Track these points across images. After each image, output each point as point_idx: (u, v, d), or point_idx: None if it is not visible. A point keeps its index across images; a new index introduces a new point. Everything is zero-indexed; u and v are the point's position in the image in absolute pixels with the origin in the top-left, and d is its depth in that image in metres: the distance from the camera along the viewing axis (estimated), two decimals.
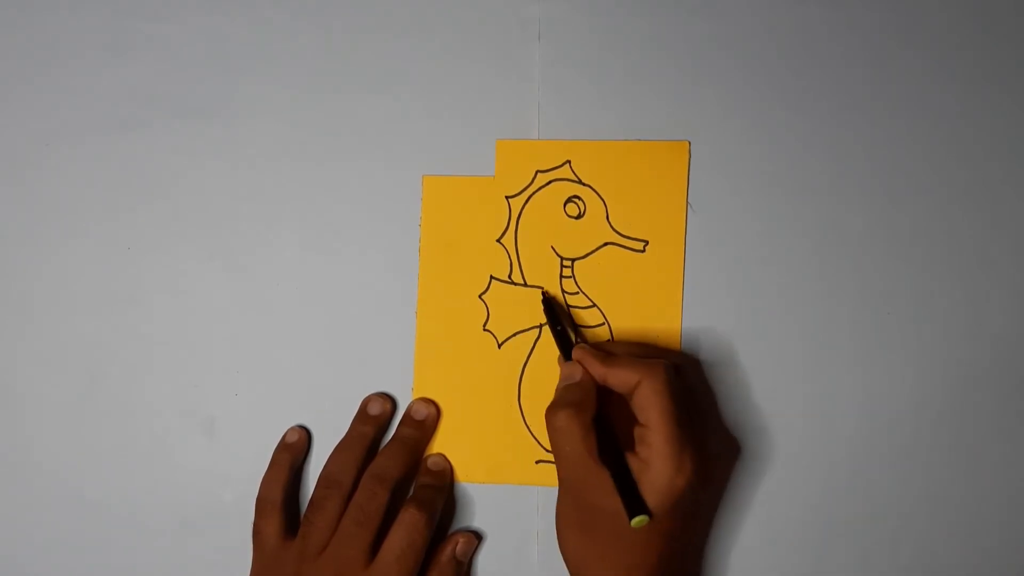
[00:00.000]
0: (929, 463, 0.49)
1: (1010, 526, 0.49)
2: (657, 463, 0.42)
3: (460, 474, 0.50)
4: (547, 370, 0.50)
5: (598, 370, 0.45)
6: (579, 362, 0.46)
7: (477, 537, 0.50)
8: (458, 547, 0.49)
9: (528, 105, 0.50)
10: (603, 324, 0.50)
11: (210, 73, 0.51)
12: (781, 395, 0.49)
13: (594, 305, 0.50)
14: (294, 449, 0.50)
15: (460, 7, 0.51)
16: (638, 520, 0.41)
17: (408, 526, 0.47)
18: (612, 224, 0.50)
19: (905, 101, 0.49)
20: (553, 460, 0.49)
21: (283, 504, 0.49)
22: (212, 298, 0.51)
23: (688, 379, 0.48)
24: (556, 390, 0.46)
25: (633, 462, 0.43)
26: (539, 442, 0.50)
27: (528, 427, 0.50)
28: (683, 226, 0.50)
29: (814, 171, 0.49)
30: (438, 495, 0.49)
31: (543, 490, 0.50)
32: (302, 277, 0.51)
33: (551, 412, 0.44)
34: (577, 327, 0.49)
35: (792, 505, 0.49)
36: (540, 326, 0.50)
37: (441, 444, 0.50)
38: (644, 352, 0.46)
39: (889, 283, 0.49)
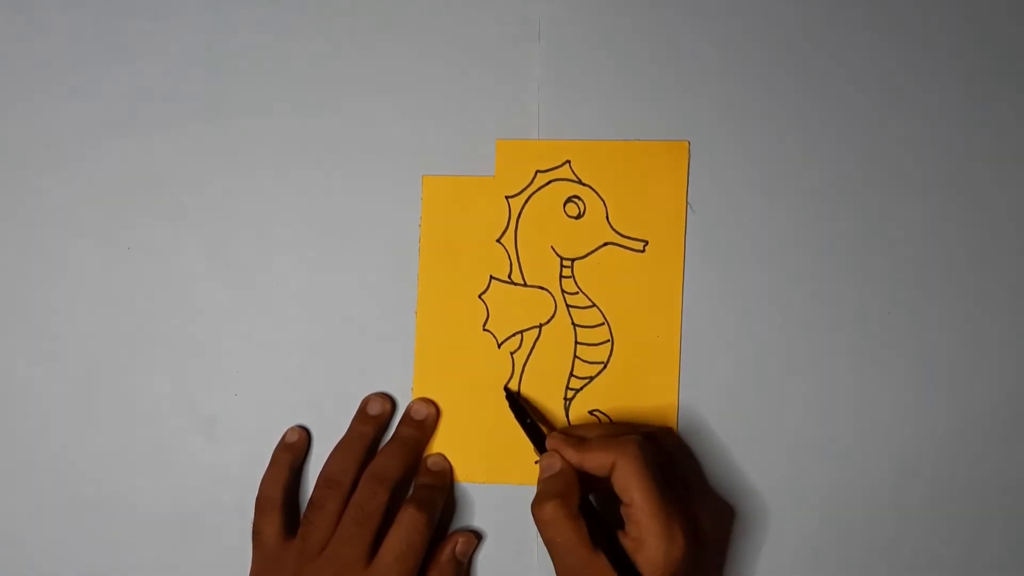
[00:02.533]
0: (930, 463, 0.49)
1: (1010, 526, 0.49)
2: (649, 540, 0.42)
3: (460, 474, 0.50)
4: (547, 370, 0.50)
5: (573, 457, 0.45)
6: (555, 451, 0.46)
7: (477, 537, 0.50)
8: (458, 547, 0.49)
9: (528, 105, 0.50)
10: (603, 324, 0.50)
11: (210, 73, 0.52)
12: (781, 394, 0.49)
13: (594, 305, 0.50)
14: (294, 449, 0.50)
15: (460, 7, 0.51)
16: None
17: (408, 526, 0.47)
18: (612, 224, 0.50)
19: (904, 101, 0.49)
20: None
21: (283, 504, 0.49)
22: (212, 298, 0.51)
23: (666, 446, 0.48)
24: (538, 483, 0.46)
25: (626, 542, 0.43)
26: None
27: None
28: (683, 226, 0.50)
29: (814, 171, 0.49)
30: (438, 495, 0.49)
31: None
32: (302, 277, 0.51)
33: (537, 506, 0.44)
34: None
35: (792, 504, 0.49)
36: (540, 326, 0.50)
37: (441, 444, 0.50)
38: (616, 431, 0.46)
39: (889, 283, 0.49)
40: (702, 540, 0.44)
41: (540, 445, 0.47)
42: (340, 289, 0.51)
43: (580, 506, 0.44)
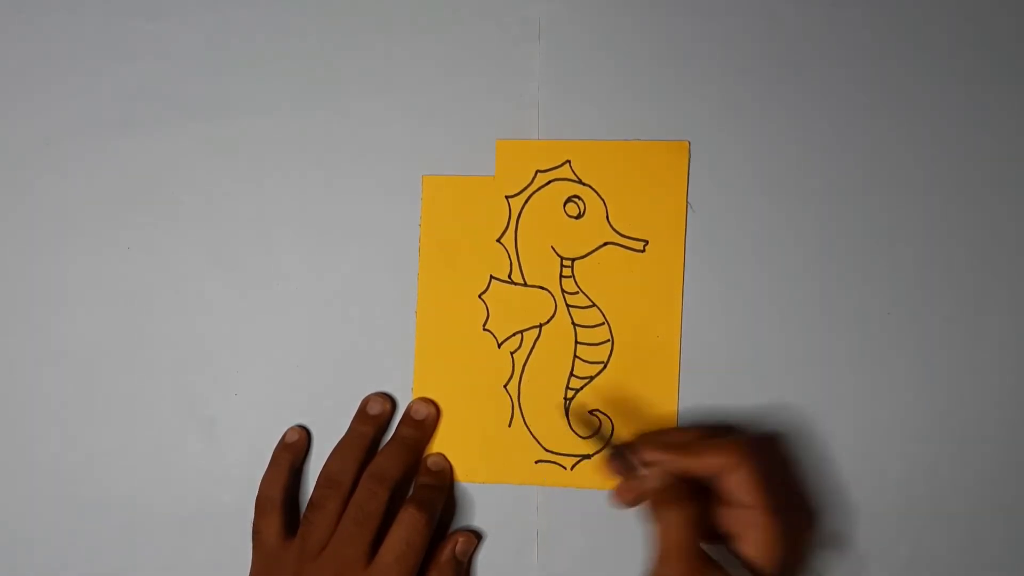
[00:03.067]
0: (930, 463, 0.49)
1: (1011, 526, 0.49)
2: (771, 543, 0.42)
3: (460, 474, 0.50)
4: (547, 370, 0.50)
5: (676, 463, 0.44)
6: (653, 463, 0.44)
7: (477, 536, 0.50)
8: (458, 546, 0.49)
9: (528, 105, 0.50)
10: (603, 324, 0.50)
11: (210, 73, 0.52)
12: (780, 394, 0.49)
13: (594, 305, 0.50)
14: (294, 449, 0.50)
15: (460, 7, 0.51)
16: None
17: (408, 526, 0.47)
18: (612, 224, 0.50)
19: (905, 101, 0.49)
20: (556, 461, 0.50)
21: (283, 504, 0.49)
22: (212, 298, 0.51)
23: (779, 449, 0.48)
24: (653, 491, 0.44)
25: (741, 545, 0.43)
26: (539, 442, 0.50)
27: (528, 427, 0.50)
28: (683, 226, 0.50)
29: (814, 171, 0.49)
30: (438, 495, 0.49)
31: (543, 490, 0.50)
32: (302, 277, 0.51)
33: (661, 507, 0.43)
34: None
35: (790, 505, 0.49)
36: (540, 326, 0.50)
37: (441, 444, 0.50)
38: (705, 432, 0.46)
39: (889, 283, 0.49)
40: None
41: (627, 458, 0.45)
42: (340, 289, 0.51)
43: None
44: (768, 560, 0.42)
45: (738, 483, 0.43)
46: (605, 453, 0.47)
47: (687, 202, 0.50)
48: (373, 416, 0.50)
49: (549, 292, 0.50)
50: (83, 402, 0.52)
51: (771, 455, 0.46)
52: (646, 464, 0.44)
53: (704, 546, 0.42)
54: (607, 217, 0.50)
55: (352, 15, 0.51)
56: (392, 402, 0.50)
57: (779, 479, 0.45)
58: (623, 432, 0.49)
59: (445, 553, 0.49)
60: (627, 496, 0.45)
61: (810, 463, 0.49)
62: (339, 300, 0.51)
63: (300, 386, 0.51)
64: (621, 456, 0.45)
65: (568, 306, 0.50)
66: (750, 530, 0.43)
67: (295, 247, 0.51)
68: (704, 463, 0.43)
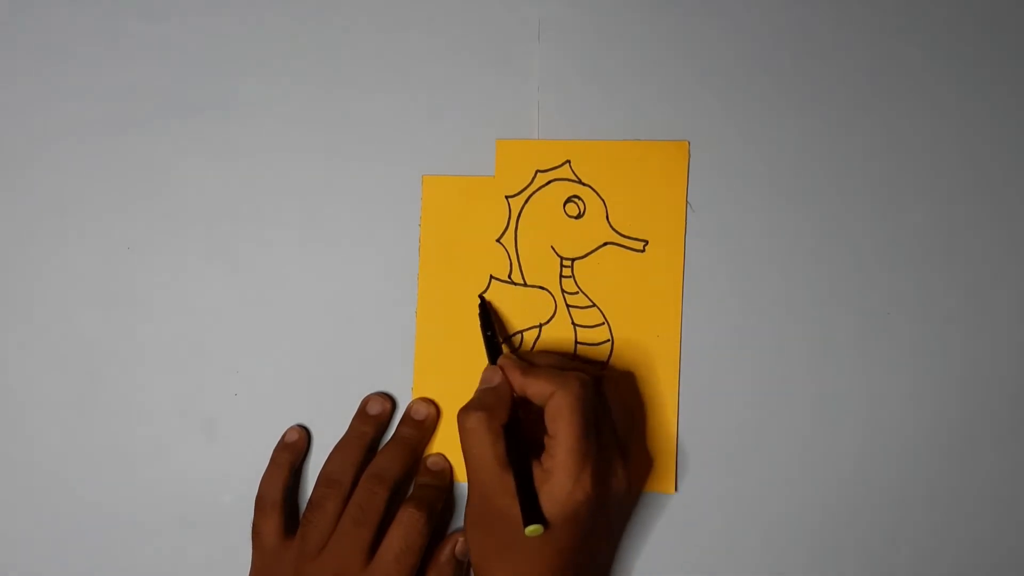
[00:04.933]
0: (930, 463, 0.49)
1: (1011, 526, 0.49)
2: (558, 475, 0.43)
3: (460, 474, 0.50)
4: None
5: (517, 379, 0.45)
6: (501, 368, 0.46)
7: None
8: (457, 546, 0.49)
9: (528, 105, 0.50)
10: (603, 324, 0.50)
11: (210, 73, 0.52)
12: (781, 394, 0.49)
13: (594, 305, 0.50)
14: (294, 449, 0.50)
15: (460, 7, 0.51)
16: (532, 529, 0.42)
17: (407, 526, 0.47)
18: (612, 224, 0.50)
19: (905, 101, 0.49)
20: None
21: (283, 503, 0.49)
22: (212, 298, 0.51)
23: (615, 393, 0.48)
24: (475, 392, 0.47)
25: (537, 472, 0.44)
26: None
27: None
28: (683, 226, 0.50)
29: (814, 171, 0.49)
30: (438, 495, 0.49)
31: None
32: (302, 277, 0.51)
33: (463, 413, 0.45)
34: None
35: (791, 503, 0.49)
36: (540, 326, 0.50)
37: (441, 444, 0.50)
38: (569, 365, 0.47)
39: (889, 283, 0.49)
40: (614, 490, 0.45)
41: (492, 359, 0.48)
42: (340, 289, 0.51)
43: (506, 426, 0.44)
44: (552, 490, 0.43)
45: (552, 410, 0.44)
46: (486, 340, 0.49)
47: (687, 202, 0.50)
48: (373, 416, 0.50)
49: (549, 292, 0.50)
50: (83, 402, 0.52)
51: (599, 397, 0.46)
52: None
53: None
54: (607, 217, 0.50)
55: (352, 15, 0.51)
56: (392, 402, 0.50)
57: (603, 423, 0.45)
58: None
59: (445, 553, 0.49)
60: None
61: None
62: (339, 300, 0.51)
63: (300, 386, 0.51)
64: (493, 351, 0.48)
65: (568, 306, 0.50)
66: (547, 459, 0.43)
67: (295, 247, 0.51)
68: (533, 386, 0.45)
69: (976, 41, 0.49)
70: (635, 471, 0.48)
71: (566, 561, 0.44)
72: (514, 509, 0.43)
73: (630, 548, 0.49)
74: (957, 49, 0.49)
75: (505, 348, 0.49)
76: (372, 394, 0.50)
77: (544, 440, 0.44)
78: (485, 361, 0.49)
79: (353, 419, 0.50)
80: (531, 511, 0.42)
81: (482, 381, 0.47)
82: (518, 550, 0.43)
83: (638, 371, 0.50)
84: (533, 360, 0.47)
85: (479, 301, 0.50)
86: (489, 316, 0.49)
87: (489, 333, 0.48)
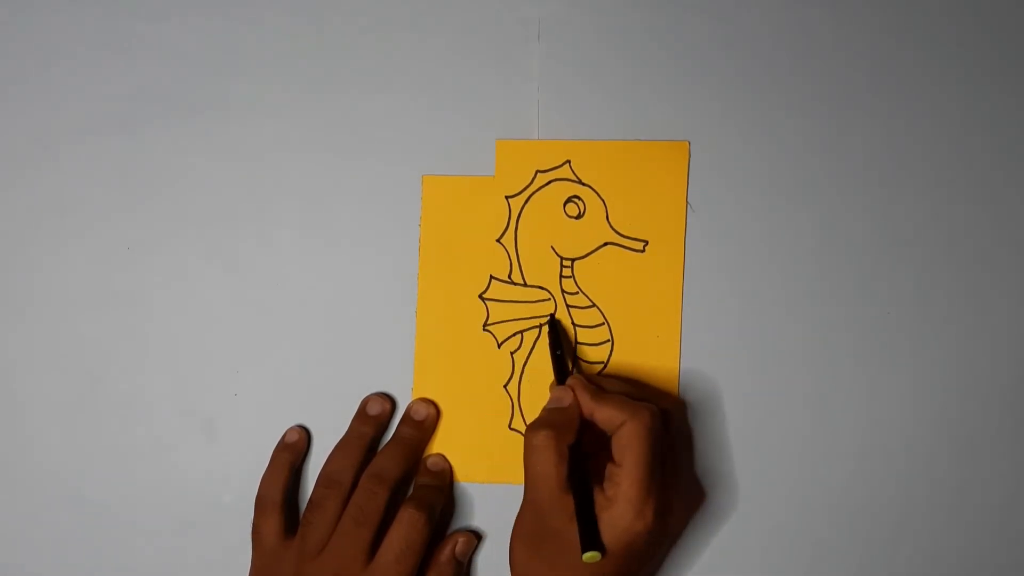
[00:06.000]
0: (930, 462, 0.49)
1: (1011, 526, 0.49)
2: (621, 504, 0.43)
3: (459, 474, 0.50)
4: (547, 370, 0.50)
5: (587, 403, 0.45)
6: (571, 389, 0.46)
7: (477, 537, 0.50)
8: (457, 547, 0.49)
9: (528, 105, 0.50)
10: (603, 324, 0.50)
11: (210, 73, 0.52)
12: (781, 394, 0.49)
13: (594, 305, 0.50)
14: (294, 449, 0.50)
15: (460, 7, 0.51)
16: (590, 556, 0.42)
17: (407, 526, 0.47)
18: (612, 224, 0.50)
19: (905, 101, 0.49)
20: None
21: (282, 504, 0.49)
22: (212, 298, 0.51)
23: (673, 425, 0.48)
24: (542, 410, 0.46)
25: (599, 498, 0.43)
26: None
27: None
28: (683, 226, 0.50)
29: (814, 171, 0.49)
30: (437, 495, 0.49)
31: None
32: (302, 277, 0.51)
33: (532, 430, 0.44)
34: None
35: (791, 503, 0.49)
36: (540, 326, 0.50)
37: (441, 444, 0.50)
38: (639, 393, 0.47)
39: (889, 283, 0.49)
40: (670, 525, 0.45)
41: (561, 379, 0.47)
42: (340, 289, 0.51)
43: (570, 447, 0.44)
44: (615, 519, 0.42)
45: (622, 439, 0.43)
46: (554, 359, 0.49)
47: (687, 202, 0.50)
48: (373, 416, 0.50)
49: (549, 292, 0.50)
50: (83, 402, 0.52)
51: (665, 431, 0.46)
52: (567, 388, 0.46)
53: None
54: (607, 217, 0.50)
55: (352, 15, 0.51)
56: (392, 402, 0.50)
57: (665, 458, 0.45)
58: None
59: (445, 553, 0.49)
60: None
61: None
62: (339, 300, 0.51)
63: (300, 386, 0.51)
64: (561, 372, 0.48)
65: (568, 306, 0.50)
66: (611, 487, 0.43)
67: (295, 247, 0.51)
68: (604, 413, 0.44)
69: (976, 41, 0.49)
70: (688, 505, 0.49)
71: None
72: (570, 532, 0.43)
73: None
74: (957, 49, 0.49)
75: (571, 367, 0.49)
76: (372, 394, 0.50)
77: (607, 467, 0.44)
78: (484, 361, 0.49)
79: (353, 419, 0.50)
80: (590, 537, 0.42)
81: (552, 400, 0.46)
82: (568, 571, 0.43)
83: (638, 371, 0.50)
84: (602, 384, 0.47)
85: (548, 319, 0.49)
86: (558, 335, 0.49)
87: (559, 352, 0.48)
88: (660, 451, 0.44)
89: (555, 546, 0.43)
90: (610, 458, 0.44)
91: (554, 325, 0.49)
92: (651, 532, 0.43)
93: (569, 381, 0.46)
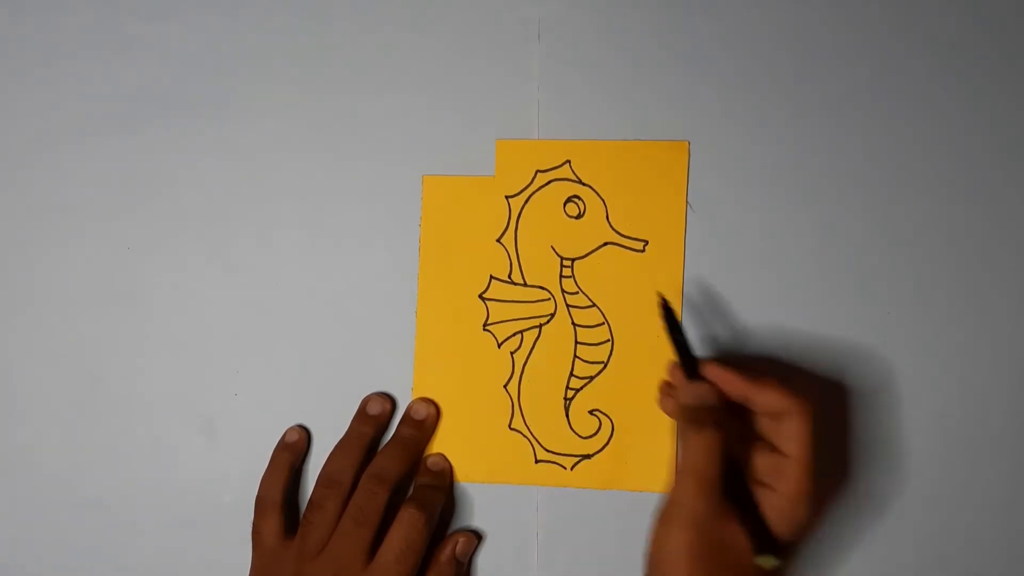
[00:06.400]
0: (929, 462, 0.49)
1: (1010, 526, 0.49)
2: (799, 498, 0.42)
3: (460, 474, 0.50)
4: (547, 370, 0.50)
5: (741, 386, 0.43)
6: (714, 381, 0.44)
7: (477, 537, 0.50)
8: (458, 547, 0.49)
9: (528, 105, 0.50)
10: (603, 324, 0.50)
11: (210, 73, 0.52)
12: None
13: (594, 305, 0.50)
14: (294, 449, 0.50)
15: (460, 7, 0.51)
16: (767, 560, 0.40)
17: (407, 525, 0.47)
18: (612, 224, 0.50)
19: (905, 101, 0.49)
20: (556, 461, 0.50)
21: (282, 504, 0.49)
22: (212, 298, 0.51)
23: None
24: (686, 407, 0.44)
25: (764, 494, 0.42)
26: (539, 442, 0.50)
27: (528, 427, 0.50)
28: (683, 226, 0.50)
29: (814, 171, 0.49)
30: (438, 495, 0.49)
31: (543, 490, 0.50)
32: (302, 277, 0.51)
33: (697, 430, 0.42)
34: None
35: None
36: (540, 326, 0.50)
37: (441, 444, 0.50)
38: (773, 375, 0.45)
39: (889, 283, 0.49)
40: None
41: (692, 370, 0.45)
42: (340, 289, 0.51)
43: None
44: (786, 514, 0.42)
45: (789, 430, 0.42)
46: (673, 356, 0.46)
47: (687, 202, 0.50)
48: (373, 416, 0.50)
49: (549, 292, 0.50)
50: (83, 402, 0.52)
51: (828, 414, 0.45)
52: (706, 380, 0.44)
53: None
54: (607, 217, 0.50)
55: (352, 15, 0.51)
56: (392, 402, 0.50)
57: (826, 441, 0.44)
58: (623, 434, 0.49)
59: (445, 553, 0.49)
60: (668, 403, 0.46)
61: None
62: (339, 300, 0.51)
63: (300, 386, 0.51)
64: (689, 359, 0.45)
65: (568, 306, 0.50)
66: (782, 481, 0.42)
67: (295, 247, 0.51)
68: (766, 398, 0.43)
69: (976, 41, 0.49)
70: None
71: None
72: (739, 538, 0.41)
73: (631, 547, 0.49)
74: (957, 49, 0.49)
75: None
76: (372, 394, 0.50)
77: (759, 460, 0.43)
78: (484, 361, 0.49)
79: (353, 419, 0.50)
80: (766, 540, 0.41)
81: (695, 397, 0.44)
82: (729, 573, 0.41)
83: (638, 371, 0.50)
84: (740, 369, 0.45)
85: (660, 301, 0.46)
86: (675, 318, 0.46)
87: (680, 337, 0.45)
88: None
89: (725, 555, 0.41)
90: (762, 446, 0.43)
91: (666, 305, 0.46)
92: (813, 523, 0.42)
93: (711, 372, 0.44)
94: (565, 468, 0.50)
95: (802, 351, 0.49)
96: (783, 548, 0.41)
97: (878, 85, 0.49)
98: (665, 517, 0.42)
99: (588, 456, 0.50)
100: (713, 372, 0.45)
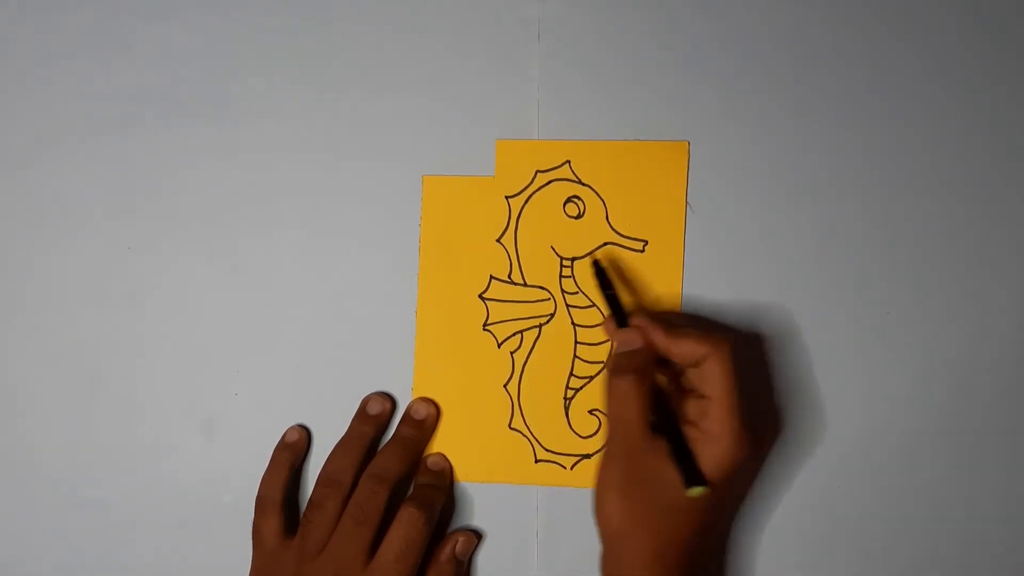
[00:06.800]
0: (930, 463, 0.49)
1: (1010, 526, 0.49)
2: (722, 436, 0.43)
3: (460, 473, 0.50)
4: (547, 370, 0.50)
5: (661, 339, 0.45)
6: (639, 329, 0.45)
7: (477, 536, 0.50)
8: (458, 546, 0.49)
9: (528, 105, 0.50)
10: (603, 324, 0.50)
11: (210, 73, 0.52)
12: (780, 395, 0.49)
13: (593, 305, 0.50)
14: (294, 449, 0.50)
15: (460, 7, 0.51)
16: (697, 491, 0.42)
17: (407, 525, 0.47)
18: (612, 224, 0.50)
19: (905, 101, 0.49)
20: (556, 461, 0.50)
21: (283, 503, 0.49)
22: (212, 298, 0.51)
23: (744, 353, 0.48)
24: (612, 355, 0.46)
25: (693, 433, 0.43)
26: (539, 442, 0.50)
27: (528, 427, 0.50)
28: (682, 226, 0.50)
29: (814, 171, 0.49)
30: (437, 494, 0.49)
31: (543, 490, 0.50)
32: (302, 277, 0.51)
33: (614, 377, 0.44)
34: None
35: (791, 503, 0.49)
36: (540, 326, 0.50)
37: (441, 443, 0.50)
38: (703, 323, 0.47)
39: (889, 283, 0.49)
40: (759, 448, 0.45)
41: (621, 319, 0.47)
42: (340, 289, 0.51)
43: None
44: (713, 451, 0.43)
45: (707, 372, 0.43)
46: (606, 303, 0.48)
47: (687, 202, 0.50)
48: (373, 416, 0.50)
49: (549, 292, 0.50)
50: (83, 402, 0.52)
51: (751, 356, 0.47)
52: (633, 326, 0.46)
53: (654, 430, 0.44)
54: (607, 217, 0.50)
55: (352, 15, 0.51)
56: (392, 402, 0.50)
57: (750, 382, 0.45)
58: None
59: (445, 553, 0.49)
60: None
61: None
62: (339, 300, 0.51)
63: (300, 386, 0.51)
64: (619, 312, 0.47)
65: (568, 306, 0.50)
66: (706, 421, 0.43)
67: (295, 247, 0.51)
68: (682, 347, 0.44)
69: (976, 41, 0.49)
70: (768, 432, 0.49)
71: (710, 519, 0.45)
72: (666, 473, 0.43)
73: None
74: (957, 49, 0.49)
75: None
76: (372, 394, 0.50)
77: (691, 403, 0.44)
78: (484, 361, 0.49)
79: (353, 419, 0.50)
80: (693, 473, 0.42)
81: (622, 343, 0.46)
82: (665, 513, 0.43)
83: None
84: (669, 319, 0.46)
85: (593, 263, 0.48)
86: (606, 275, 0.48)
87: (611, 292, 0.47)
88: (740, 379, 0.44)
89: (653, 489, 0.43)
90: (687, 393, 0.44)
91: (598, 265, 0.48)
92: (745, 460, 0.43)
93: (635, 320, 0.46)
94: (565, 468, 0.50)
95: (802, 351, 0.49)
96: (713, 483, 0.43)
97: (878, 85, 0.49)
98: (601, 460, 0.45)
99: (588, 456, 0.50)
100: (638, 321, 0.46)
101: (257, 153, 0.51)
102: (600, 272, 0.48)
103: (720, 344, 0.44)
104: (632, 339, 0.45)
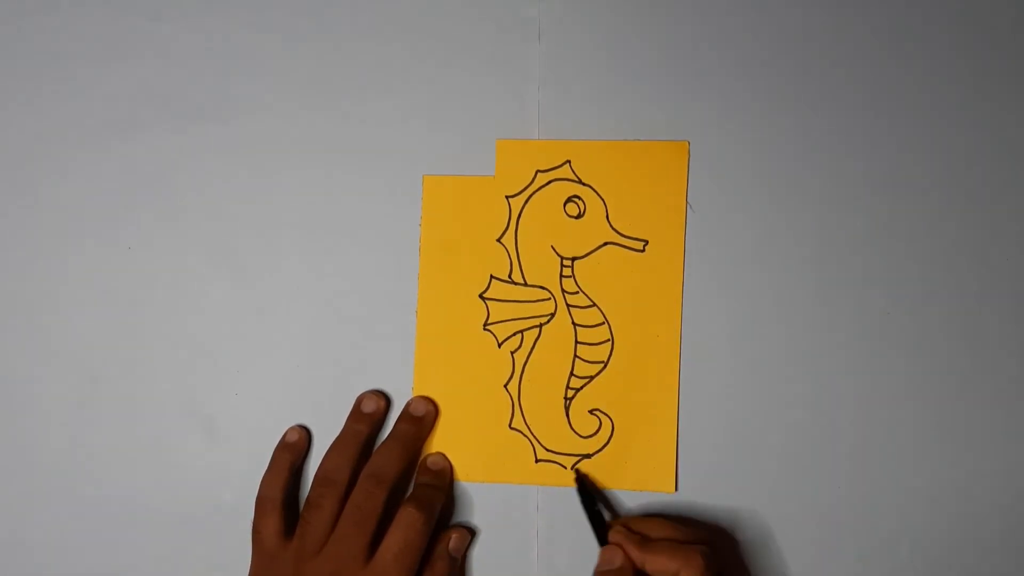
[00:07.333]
0: (929, 462, 0.49)
1: (1010, 526, 0.49)
2: None
3: (460, 473, 0.50)
4: (547, 369, 0.50)
5: (636, 556, 0.46)
6: (617, 545, 0.46)
7: (470, 532, 0.50)
8: (451, 543, 0.49)
9: (528, 105, 0.50)
10: (603, 324, 0.50)
11: (210, 73, 0.52)
12: (781, 394, 0.49)
13: (594, 305, 0.50)
14: (294, 449, 0.50)
15: (460, 7, 0.51)
16: None
17: (406, 525, 0.47)
18: (612, 224, 0.50)
19: (905, 101, 0.49)
20: (556, 460, 0.50)
21: (283, 503, 0.49)
22: (212, 298, 0.51)
23: (723, 557, 0.49)
24: (596, 572, 0.46)
25: None
26: (539, 441, 0.50)
27: (528, 426, 0.50)
28: (683, 226, 0.50)
29: (814, 171, 0.49)
30: (437, 494, 0.49)
31: (543, 489, 0.50)
32: (302, 277, 0.51)
33: None
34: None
35: (791, 503, 0.49)
36: (540, 325, 0.50)
37: (441, 443, 0.50)
38: (681, 533, 0.47)
39: (888, 283, 0.49)
40: None
41: (601, 535, 0.47)
42: (340, 289, 0.51)
43: None
44: None
45: None
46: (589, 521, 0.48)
47: (687, 202, 0.50)
48: (368, 414, 0.50)
49: (549, 292, 0.50)
50: (83, 402, 0.52)
51: (730, 566, 0.48)
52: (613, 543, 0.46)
53: None
54: (607, 217, 0.50)
55: (352, 16, 0.51)
56: (387, 399, 0.50)
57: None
58: (623, 434, 0.49)
59: (438, 550, 0.48)
60: None
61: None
62: (339, 300, 0.51)
63: (300, 386, 0.51)
64: (600, 528, 0.48)
65: (568, 306, 0.50)
66: None
67: (295, 247, 0.51)
68: (656, 562, 0.45)
69: (976, 42, 0.49)
70: None
71: None
72: None
73: None
74: (958, 49, 0.49)
75: (608, 517, 0.49)
76: (366, 392, 0.50)
77: None
78: (484, 361, 0.49)
79: (348, 417, 0.50)
80: None
81: (603, 562, 0.46)
82: None
83: (638, 371, 0.50)
84: (645, 531, 0.47)
85: (576, 476, 0.49)
86: (592, 494, 0.49)
87: (595, 509, 0.48)
88: None
89: None
90: None
91: (583, 483, 0.49)
92: None
93: (613, 537, 0.47)
94: (565, 468, 0.50)
95: (802, 351, 0.49)
96: None
97: (877, 85, 0.49)
98: None
99: (588, 456, 0.50)
100: (616, 538, 0.47)
101: (257, 153, 0.51)
102: (583, 487, 0.49)
103: (691, 557, 0.44)
104: (612, 558, 0.46)
